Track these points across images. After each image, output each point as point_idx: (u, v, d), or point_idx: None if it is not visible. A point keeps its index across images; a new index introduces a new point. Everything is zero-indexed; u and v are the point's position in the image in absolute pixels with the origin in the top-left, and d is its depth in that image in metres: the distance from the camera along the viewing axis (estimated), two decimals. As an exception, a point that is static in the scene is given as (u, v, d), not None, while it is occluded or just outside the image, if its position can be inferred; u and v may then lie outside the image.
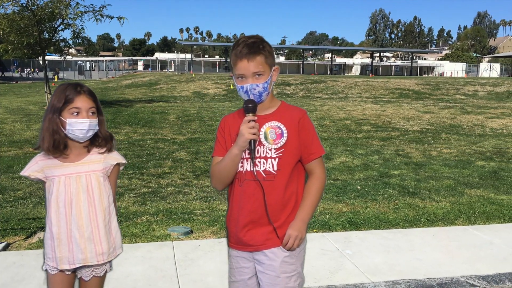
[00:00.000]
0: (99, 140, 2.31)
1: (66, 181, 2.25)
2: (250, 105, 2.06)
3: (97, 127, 2.27)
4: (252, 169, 2.08)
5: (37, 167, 2.26)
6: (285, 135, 2.08)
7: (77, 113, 2.20)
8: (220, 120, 2.31)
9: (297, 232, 2.06)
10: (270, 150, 2.08)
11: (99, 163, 2.31)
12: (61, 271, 2.30)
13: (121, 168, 2.45)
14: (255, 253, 2.13)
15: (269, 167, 2.07)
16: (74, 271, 2.34)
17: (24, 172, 2.28)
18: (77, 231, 2.25)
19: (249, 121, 2.04)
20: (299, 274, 2.14)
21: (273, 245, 2.09)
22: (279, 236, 2.08)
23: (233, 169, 2.10)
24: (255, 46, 2.06)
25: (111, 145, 2.36)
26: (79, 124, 2.20)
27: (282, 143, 2.07)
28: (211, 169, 2.21)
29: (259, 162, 2.08)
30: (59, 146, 2.22)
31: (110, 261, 2.40)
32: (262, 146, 2.09)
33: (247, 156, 2.10)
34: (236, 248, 2.19)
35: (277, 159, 2.07)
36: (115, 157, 2.38)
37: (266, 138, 2.09)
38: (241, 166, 2.12)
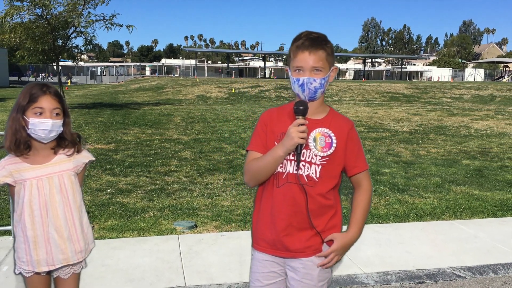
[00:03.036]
0: (66, 143, 2.18)
1: (38, 183, 2.10)
2: (301, 107, 1.84)
3: (61, 128, 2.12)
4: (296, 172, 1.88)
5: (4, 172, 2.10)
6: (334, 145, 1.89)
7: (40, 113, 2.05)
8: (263, 112, 2.03)
9: (341, 248, 1.93)
10: (316, 156, 1.89)
11: (69, 162, 2.19)
12: (37, 273, 2.18)
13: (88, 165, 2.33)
14: (290, 259, 1.95)
15: (312, 173, 1.89)
16: (50, 271, 2.22)
17: None
18: (55, 232, 2.14)
19: (299, 125, 1.82)
20: (329, 279, 2.04)
21: (312, 254, 1.93)
22: (323, 239, 1.93)
23: (273, 170, 1.89)
24: (318, 40, 1.86)
25: (79, 147, 2.23)
26: (42, 124, 2.05)
27: (330, 152, 1.89)
28: (246, 165, 1.96)
29: (303, 166, 1.89)
30: (19, 145, 2.08)
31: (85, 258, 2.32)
32: (308, 150, 1.89)
33: (291, 158, 1.89)
34: (266, 252, 1.97)
35: (320, 166, 1.89)
36: (86, 155, 2.27)
37: (315, 143, 1.89)
38: (281, 167, 1.90)
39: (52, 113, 2.08)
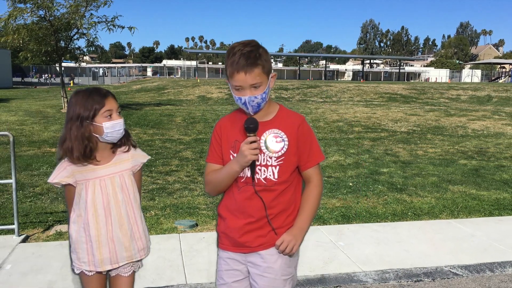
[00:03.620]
0: (123, 140, 2.16)
1: (101, 183, 2.09)
2: (251, 125, 1.86)
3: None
4: (251, 177, 1.91)
5: (66, 172, 2.08)
6: (286, 143, 1.91)
7: (110, 115, 2.04)
8: (216, 123, 2.07)
9: (291, 237, 1.91)
10: (271, 158, 1.90)
11: (128, 162, 2.18)
12: (98, 272, 2.16)
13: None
14: (249, 255, 1.97)
15: (270, 175, 1.91)
16: (109, 270, 2.20)
17: (53, 179, 2.09)
18: (120, 230, 2.13)
19: (251, 142, 1.85)
20: (293, 276, 2.02)
21: (270, 246, 1.93)
22: (277, 234, 1.93)
23: (230, 182, 1.95)
24: (251, 57, 1.81)
25: (131, 141, 2.21)
26: (116, 125, 2.05)
27: (283, 152, 1.90)
28: (206, 176, 2.03)
29: (260, 169, 1.91)
30: (91, 153, 2.05)
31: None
32: (262, 154, 1.90)
33: None
34: (228, 250, 2.01)
35: (277, 167, 1.90)
36: (142, 155, 2.26)
37: (266, 146, 1.90)
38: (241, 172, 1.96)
39: (117, 112, 2.08)
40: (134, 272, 2.28)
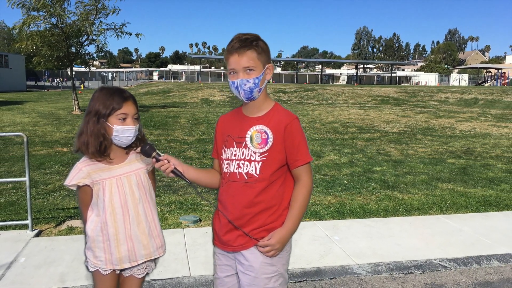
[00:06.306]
0: (137, 143, 2.05)
1: (118, 182, 1.99)
2: (146, 147, 1.90)
3: (138, 131, 2.01)
4: (236, 171, 1.86)
5: (82, 174, 1.96)
6: (271, 140, 1.82)
7: (124, 119, 1.93)
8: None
9: (278, 243, 1.82)
10: (255, 153, 1.83)
11: (142, 161, 2.08)
12: (113, 270, 2.05)
13: None
14: (236, 253, 1.90)
15: (252, 170, 1.83)
16: (122, 270, 2.09)
17: (70, 182, 1.97)
18: (138, 228, 2.02)
19: (155, 163, 1.90)
20: (281, 275, 1.89)
21: (249, 246, 1.85)
22: (252, 237, 1.84)
23: (201, 183, 1.99)
24: (247, 41, 1.79)
25: (146, 142, 2.10)
26: (126, 131, 1.94)
27: (266, 148, 1.82)
28: None
29: (243, 164, 1.84)
30: (106, 150, 1.95)
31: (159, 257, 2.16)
32: (247, 149, 1.84)
33: (233, 158, 1.87)
34: (217, 246, 1.97)
35: (260, 163, 1.82)
36: None
37: (251, 141, 1.84)
38: (227, 167, 1.90)
39: (133, 118, 1.96)
40: (147, 273, 2.17)
